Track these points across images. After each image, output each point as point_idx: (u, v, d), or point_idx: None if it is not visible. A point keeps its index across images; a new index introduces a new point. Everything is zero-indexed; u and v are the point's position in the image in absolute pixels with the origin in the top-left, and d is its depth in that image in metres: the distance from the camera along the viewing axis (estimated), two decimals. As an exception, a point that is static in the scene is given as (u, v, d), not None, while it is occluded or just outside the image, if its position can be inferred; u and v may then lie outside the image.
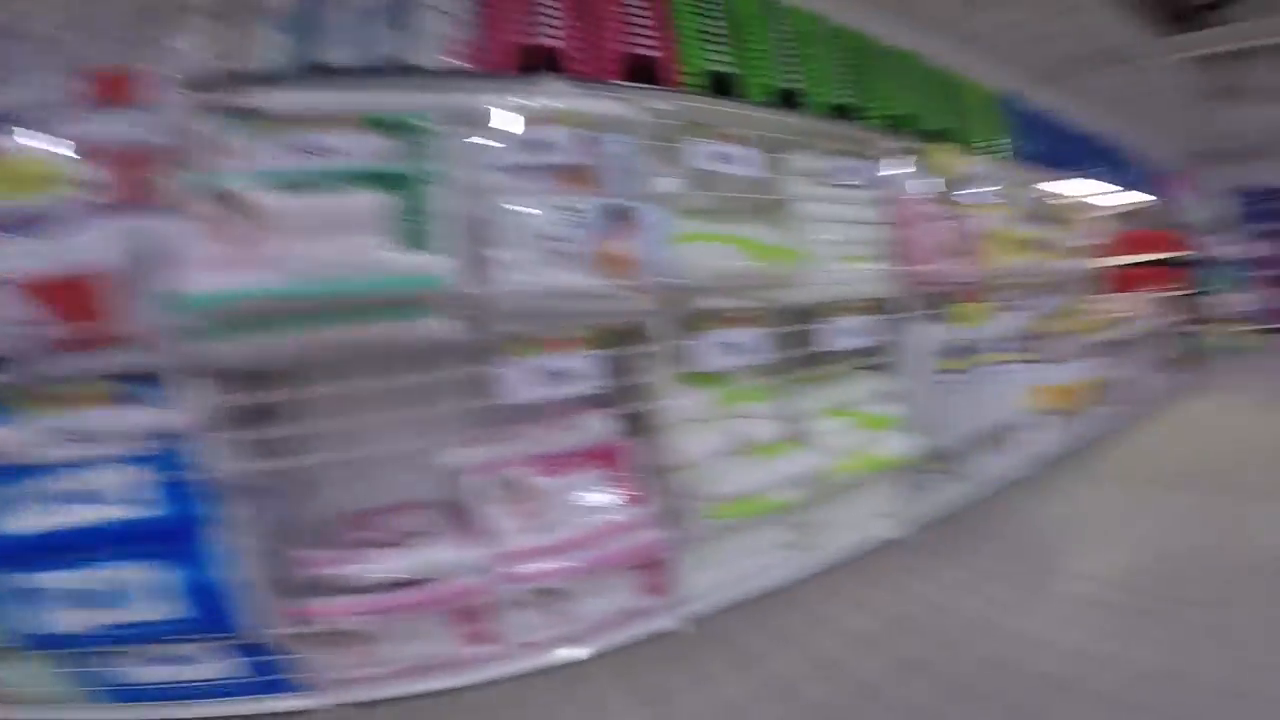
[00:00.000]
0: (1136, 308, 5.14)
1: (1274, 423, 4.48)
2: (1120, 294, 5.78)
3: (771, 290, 2.26)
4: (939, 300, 2.97)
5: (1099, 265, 5.60)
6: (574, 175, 1.94)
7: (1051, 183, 4.38)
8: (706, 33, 2.23)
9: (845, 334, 2.57)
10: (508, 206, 1.78)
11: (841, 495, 2.59)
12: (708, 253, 2.03)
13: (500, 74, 1.92)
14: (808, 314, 2.52)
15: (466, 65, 1.85)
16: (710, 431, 2.28)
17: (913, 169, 2.96)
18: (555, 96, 1.97)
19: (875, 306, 2.75)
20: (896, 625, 2.13)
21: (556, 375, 1.95)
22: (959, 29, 5.58)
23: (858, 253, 2.63)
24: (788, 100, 2.54)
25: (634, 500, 2.19)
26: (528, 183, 1.88)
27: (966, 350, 3.15)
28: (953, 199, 3.15)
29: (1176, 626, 1.98)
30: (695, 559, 2.23)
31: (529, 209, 1.80)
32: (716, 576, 2.26)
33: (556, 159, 1.92)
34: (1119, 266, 5.96)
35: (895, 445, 2.72)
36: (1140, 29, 5.81)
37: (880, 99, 3.00)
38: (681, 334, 2.17)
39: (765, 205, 2.40)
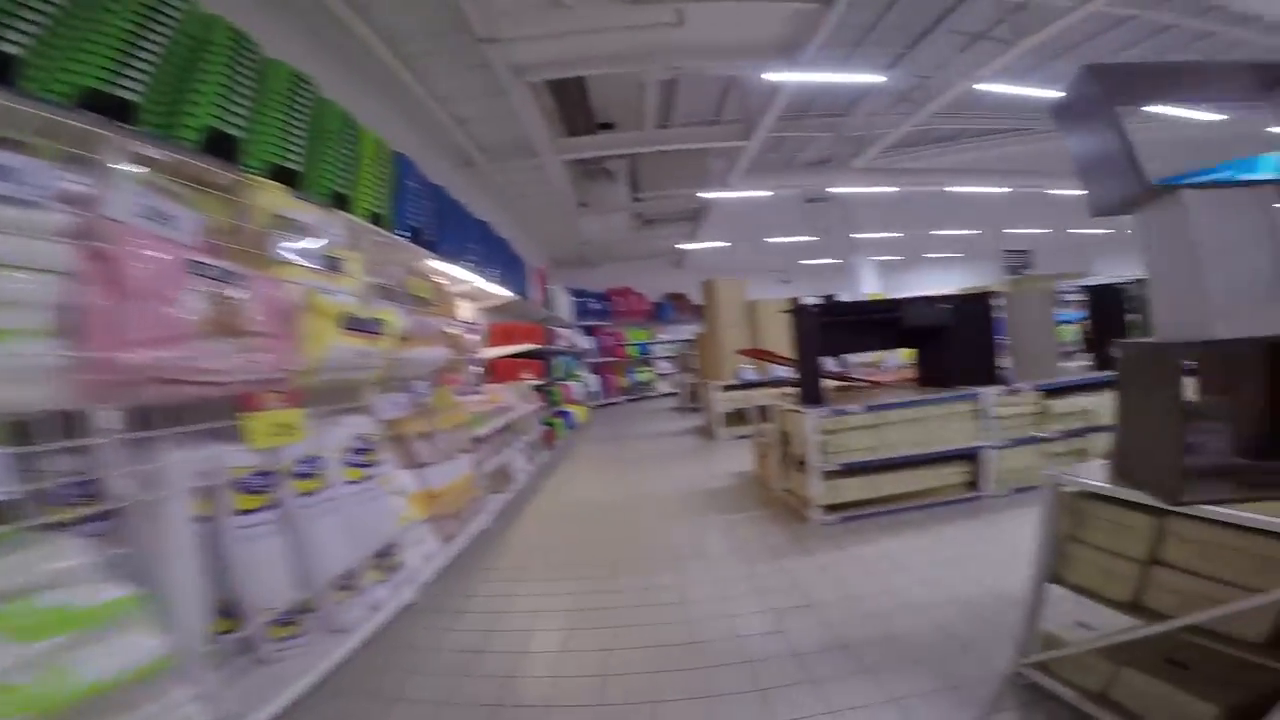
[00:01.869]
0: (508, 397, 5.43)
1: (620, 486, 5.33)
2: (495, 384, 6.19)
3: None
4: (220, 408, 1.90)
5: (475, 354, 5.85)
6: None
7: (431, 262, 4.07)
8: None
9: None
10: None
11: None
12: None
13: None
14: None
15: None
16: None
17: (177, 199, 1.85)
18: None
19: (53, 422, 1.44)
20: None
21: None
22: (393, 88, 5.16)
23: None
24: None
25: None
26: None
27: (286, 474, 2.16)
28: (271, 255, 2.21)
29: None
30: None
31: None
32: None
33: None
34: (495, 357, 6.45)
35: (137, 645, 1.44)
36: (544, 128, 6.72)
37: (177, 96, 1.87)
38: None
39: None
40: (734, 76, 7.32)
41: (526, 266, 7.49)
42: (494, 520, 4.32)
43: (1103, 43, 7.61)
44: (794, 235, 13.38)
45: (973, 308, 4.18)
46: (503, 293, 6.00)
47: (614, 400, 13.47)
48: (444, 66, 5.37)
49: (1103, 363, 4.37)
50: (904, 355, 6.69)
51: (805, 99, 8.92)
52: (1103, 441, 4.10)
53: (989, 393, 3.96)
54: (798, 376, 4.05)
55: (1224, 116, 8.88)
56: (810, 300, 5.93)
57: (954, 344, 4.12)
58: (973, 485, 4.02)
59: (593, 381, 12.87)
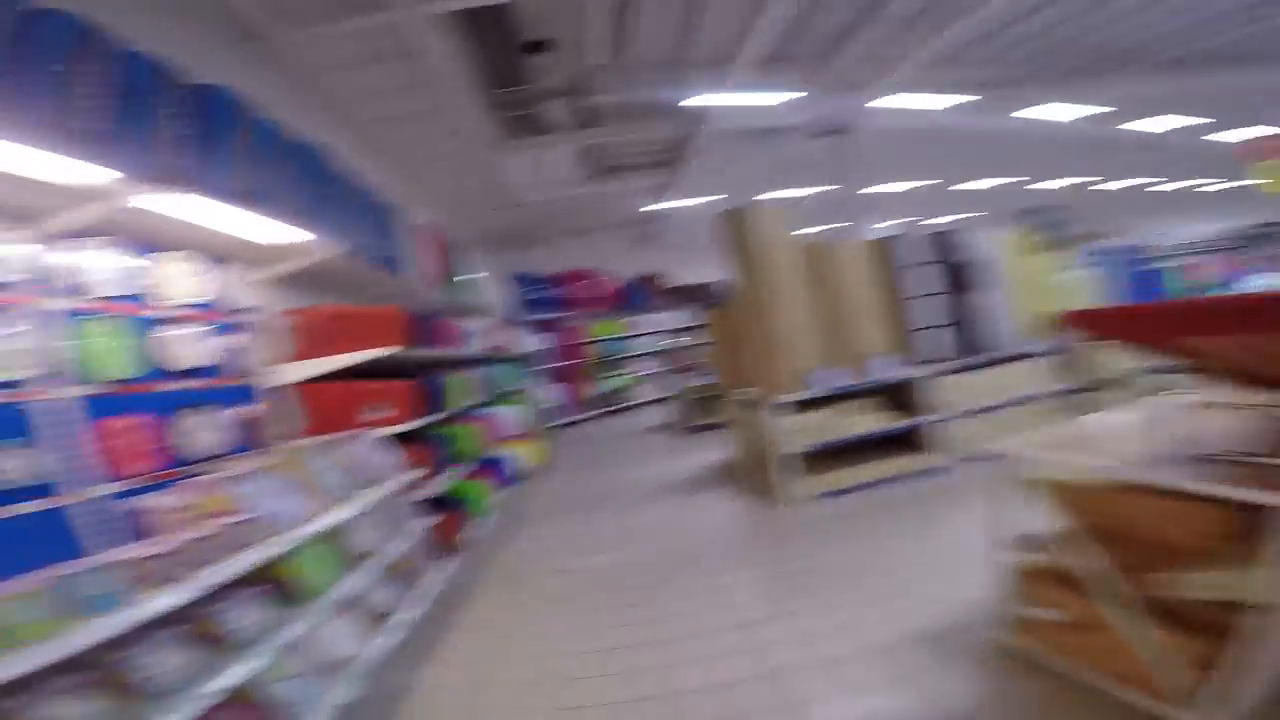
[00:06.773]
0: (255, 495, 1.89)
1: (607, 657, 1.89)
2: (307, 438, 2.67)
3: None
4: None
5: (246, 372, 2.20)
6: None
7: None
8: None
9: None
10: None
11: None
12: None
13: None
14: None
15: None
16: None
17: None
18: None
19: None
20: None
21: None
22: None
23: None
24: None
25: None
26: None
27: None
28: None
29: None
30: None
31: None
32: None
33: None
34: (302, 379, 2.92)
35: None
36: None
37: None
38: None
39: None
40: None
41: (396, 218, 3.95)
42: None
43: None
44: (799, 187, 9.90)
45: None
46: (289, 235, 2.47)
47: (575, 418, 9.86)
48: None
49: None
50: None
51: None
52: None
53: None
54: None
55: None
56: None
57: None
58: None
59: (552, 394, 9.28)
